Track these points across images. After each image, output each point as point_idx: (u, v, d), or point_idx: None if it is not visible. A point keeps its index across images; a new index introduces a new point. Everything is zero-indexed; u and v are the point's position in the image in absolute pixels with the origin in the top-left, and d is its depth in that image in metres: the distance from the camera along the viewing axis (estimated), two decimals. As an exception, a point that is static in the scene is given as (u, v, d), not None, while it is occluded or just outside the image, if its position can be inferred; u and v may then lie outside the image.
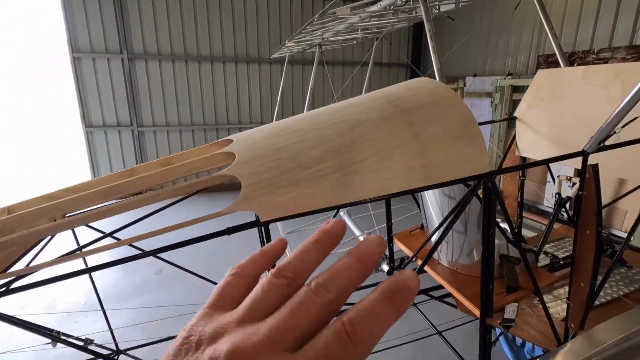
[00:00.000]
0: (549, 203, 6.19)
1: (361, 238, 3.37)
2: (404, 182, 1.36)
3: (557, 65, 6.19)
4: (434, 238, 2.13)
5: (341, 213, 3.81)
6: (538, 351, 3.14)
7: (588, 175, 1.57)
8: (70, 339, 1.77)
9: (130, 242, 1.28)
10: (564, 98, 2.31)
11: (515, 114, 2.65)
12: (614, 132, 1.52)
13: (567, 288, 2.32)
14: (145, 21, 7.65)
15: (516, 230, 3.04)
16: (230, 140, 1.59)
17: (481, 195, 1.55)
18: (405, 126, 1.44)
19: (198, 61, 8.18)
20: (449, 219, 1.72)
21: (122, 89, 7.77)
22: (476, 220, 1.98)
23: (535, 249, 2.11)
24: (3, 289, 1.15)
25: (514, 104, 6.48)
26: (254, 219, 1.70)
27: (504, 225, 1.89)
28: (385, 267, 2.77)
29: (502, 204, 1.51)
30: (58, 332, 1.61)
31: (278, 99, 7.28)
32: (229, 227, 1.24)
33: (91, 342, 1.86)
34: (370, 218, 3.27)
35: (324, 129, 1.50)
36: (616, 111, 1.44)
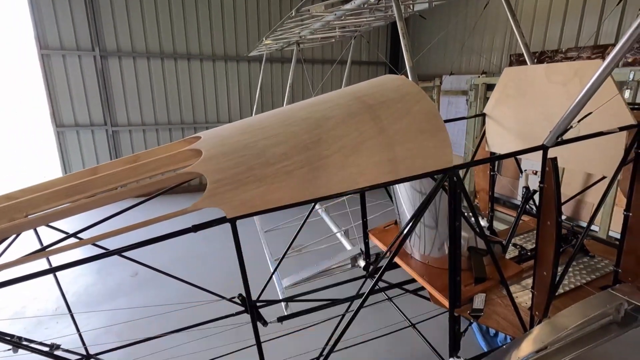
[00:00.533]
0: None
1: (339, 235, 3.39)
2: (370, 176, 1.38)
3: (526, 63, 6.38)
4: (403, 232, 2.18)
5: (319, 210, 3.83)
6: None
7: (548, 169, 1.63)
8: (33, 345, 1.71)
9: (94, 242, 1.25)
10: (529, 94, 2.39)
11: (484, 111, 2.73)
12: (571, 127, 1.58)
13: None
14: (118, 17, 7.44)
15: (486, 223, 3.13)
16: (198, 137, 1.57)
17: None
18: (370, 121, 1.47)
19: (174, 59, 8.01)
20: (419, 213, 1.76)
21: (95, 88, 7.52)
22: (446, 215, 2.03)
23: (502, 240, 2.18)
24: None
25: (487, 101, 6.65)
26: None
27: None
28: (362, 263, 2.80)
29: (467, 197, 1.56)
30: (20, 338, 1.55)
31: (257, 97, 7.23)
32: (195, 224, 1.23)
33: (57, 347, 1.80)
34: (347, 215, 3.29)
35: (290, 125, 1.50)
36: (572, 106, 1.50)
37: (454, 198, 1.53)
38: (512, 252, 2.59)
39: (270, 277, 2.51)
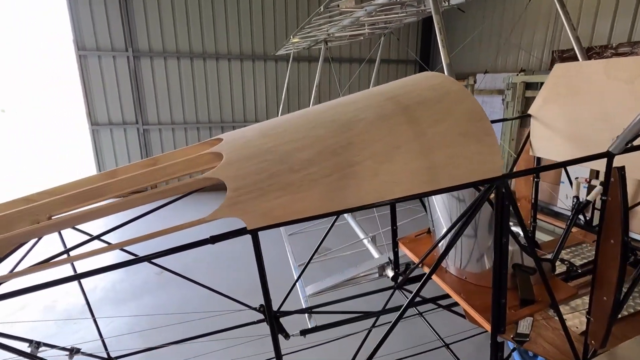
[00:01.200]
0: (562, 204, 5.96)
1: (365, 242, 3.24)
2: (406, 185, 1.23)
3: (573, 60, 5.95)
4: (442, 244, 1.99)
5: (345, 214, 3.69)
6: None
7: (613, 179, 1.41)
8: (54, 349, 1.68)
9: (121, 247, 1.19)
10: (583, 93, 2.14)
11: (529, 111, 2.49)
12: (644, 132, 1.36)
13: (585, 299, 2.16)
14: (151, 19, 7.61)
15: (530, 237, 2.87)
16: (220, 140, 1.47)
17: (493, 199, 1.40)
18: (406, 124, 1.31)
19: (203, 58, 8.11)
20: (458, 225, 1.58)
21: (128, 87, 7.74)
22: (487, 225, 1.83)
23: (550, 257, 1.95)
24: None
25: (527, 101, 6.26)
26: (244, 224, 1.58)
27: (516, 229, 1.74)
28: (390, 273, 2.63)
29: (516, 210, 1.37)
30: (38, 344, 1.52)
31: (283, 96, 7.17)
32: (213, 235, 1.13)
33: (78, 350, 1.77)
34: (375, 220, 3.13)
35: (316, 128, 1.38)
36: (646, 108, 1.28)
37: (501, 211, 1.34)
38: (558, 268, 2.34)
39: (293, 286, 2.40)
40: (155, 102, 8.03)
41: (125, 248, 1.61)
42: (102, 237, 1.71)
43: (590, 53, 5.53)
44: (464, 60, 8.48)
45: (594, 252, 2.56)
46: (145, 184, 1.37)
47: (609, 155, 1.42)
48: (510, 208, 1.36)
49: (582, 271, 2.23)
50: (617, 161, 1.44)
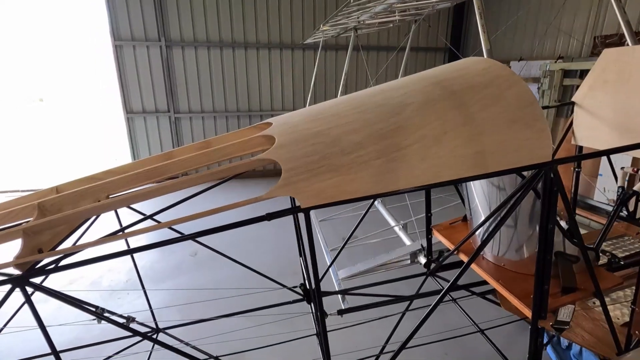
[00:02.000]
0: (599, 197, 5.73)
1: (396, 229, 3.26)
2: (454, 169, 1.25)
3: (617, 46, 5.64)
4: (480, 232, 2.00)
5: (375, 202, 3.72)
6: (586, 355, 2.93)
7: (668, 167, 1.37)
8: (113, 317, 1.84)
9: (170, 225, 1.27)
10: (633, 80, 2.06)
11: (573, 99, 2.41)
12: None
13: (627, 291, 2.12)
14: (182, 9, 7.77)
15: (565, 226, 2.81)
16: (269, 124, 1.54)
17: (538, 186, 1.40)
18: (454, 109, 1.33)
19: (232, 48, 8.22)
20: (501, 214, 1.59)
21: (160, 76, 7.99)
22: (528, 213, 1.82)
23: (594, 247, 1.92)
24: (52, 266, 1.18)
25: (564, 89, 6.00)
26: (290, 204, 1.65)
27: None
28: (423, 260, 2.66)
29: (564, 196, 1.36)
30: (102, 310, 1.66)
31: (311, 85, 7.19)
32: (269, 212, 1.19)
33: (133, 319, 1.92)
34: (406, 208, 3.15)
35: (364, 112, 1.41)
36: None
37: (549, 197, 1.34)
38: (600, 260, 2.30)
39: (328, 268, 2.47)
40: (186, 91, 8.25)
41: (177, 228, 1.72)
42: (154, 217, 1.83)
43: (637, 38, 5.21)
44: (498, 47, 8.18)
45: (636, 245, 2.49)
46: (200, 165, 1.46)
47: (667, 144, 1.39)
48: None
49: (625, 263, 2.17)
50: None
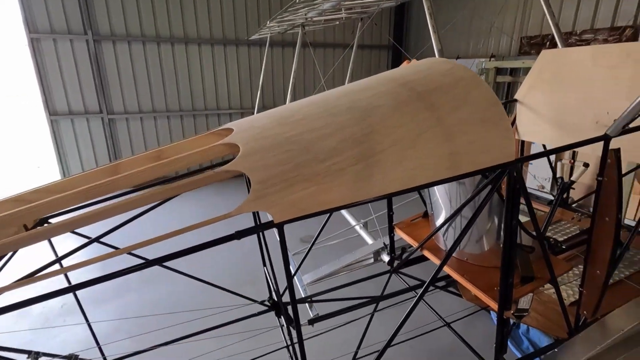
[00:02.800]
0: (531, 184, 6.33)
1: (357, 228, 3.27)
2: (430, 172, 1.24)
3: (540, 46, 6.20)
4: (445, 228, 2.05)
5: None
6: (533, 332, 3.19)
7: (610, 161, 1.50)
8: (55, 358, 1.58)
9: (130, 251, 1.10)
10: (568, 79, 2.24)
11: (516, 96, 2.58)
12: (639, 115, 1.45)
13: (570, 273, 2.31)
14: (111, 0, 7.08)
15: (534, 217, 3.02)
16: (229, 130, 1.40)
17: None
18: (426, 111, 1.31)
19: (171, 43, 7.68)
20: (466, 209, 1.63)
21: (89, 74, 7.20)
22: (486, 209, 1.90)
23: (551, 237, 2.07)
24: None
25: (497, 86, 6.50)
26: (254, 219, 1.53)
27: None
28: (386, 258, 2.69)
29: (526, 194, 1.42)
30: (37, 354, 1.41)
31: (260, 83, 6.98)
32: (239, 230, 1.08)
33: (76, 357, 1.67)
34: (366, 206, 3.16)
35: (335, 115, 1.35)
36: (645, 92, 1.36)
37: (513, 195, 1.39)
38: (543, 245, 2.49)
39: (294, 274, 2.39)
40: (120, 90, 7.54)
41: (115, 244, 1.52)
42: (102, 240, 1.61)
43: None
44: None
45: (573, 229, 2.75)
46: (153, 179, 1.29)
47: (606, 138, 1.51)
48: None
49: (566, 247, 2.38)
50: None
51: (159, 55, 7.67)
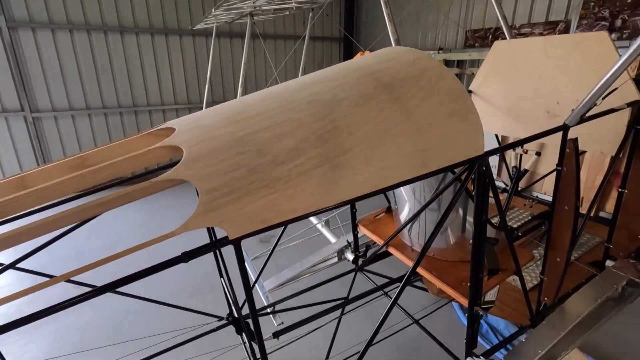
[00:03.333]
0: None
1: (319, 226, 3.15)
2: (401, 171, 1.13)
3: (484, 39, 6.45)
4: (410, 223, 1.99)
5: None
6: (492, 317, 3.30)
7: (569, 150, 1.51)
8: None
9: (67, 279, 0.91)
10: (521, 70, 2.28)
11: (470, 88, 2.59)
12: (596, 104, 1.46)
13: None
14: (27, -20, 6.20)
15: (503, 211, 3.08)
16: (171, 129, 1.19)
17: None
18: (393, 104, 1.21)
19: (104, 32, 6.93)
20: (433, 204, 1.57)
21: (5, 65, 6.28)
22: (450, 201, 1.86)
23: (515, 229, 2.10)
24: None
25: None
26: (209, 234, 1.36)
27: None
28: (350, 256, 2.60)
29: (494, 188, 1.38)
30: None
31: (208, 76, 6.56)
32: (187, 251, 0.90)
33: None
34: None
35: (293, 110, 1.19)
36: (601, 82, 1.36)
37: (482, 190, 1.34)
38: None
39: (254, 283, 2.21)
40: (45, 85, 6.69)
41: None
42: (20, 264, 1.32)
43: (498, 33, 6.09)
44: (385, 38, 8.71)
45: (525, 215, 2.85)
46: (76, 192, 1.05)
47: (564, 128, 1.51)
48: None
49: (521, 233, 2.45)
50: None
51: (90, 45, 6.91)
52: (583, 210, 3.60)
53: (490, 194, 1.40)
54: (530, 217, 2.78)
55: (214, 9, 4.91)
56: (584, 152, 2.33)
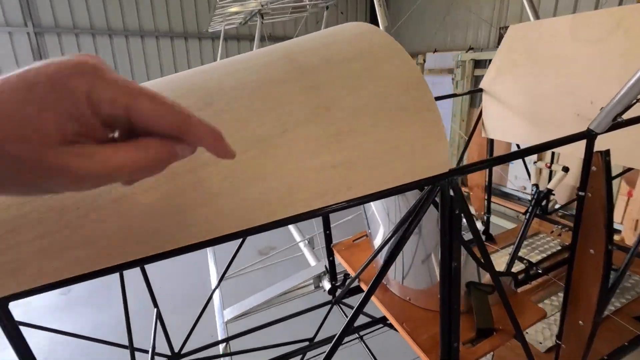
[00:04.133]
0: (512, 185, 5.91)
1: (301, 245, 2.76)
2: (307, 194, 0.74)
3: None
4: (382, 254, 1.55)
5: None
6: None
7: (595, 168, 1.02)
8: None
9: None
10: (543, 60, 1.77)
11: (481, 85, 2.10)
12: (636, 102, 0.97)
13: (548, 302, 1.85)
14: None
15: (482, 226, 2.55)
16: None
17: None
18: (303, 93, 0.81)
19: (125, 36, 7.04)
20: (399, 234, 1.14)
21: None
22: (433, 230, 1.41)
23: (512, 270, 1.60)
24: None
25: (476, 80, 6.09)
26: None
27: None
28: (327, 285, 2.18)
29: (469, 217, 0.94)
30: None
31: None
32: None
33: None
34: (310, 221, 2.65)
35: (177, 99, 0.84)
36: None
37: (449, 222, 0.90)
38: (515, 266, 2.03)
39: (202, 312, 1.86)
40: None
41: None
42: None
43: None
44: (414, 38, 8.17)
45: (552, 244, 2.29)
46: None
47: (589, 136, 1.03)
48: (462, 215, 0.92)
49: (543, 270, 1.91)
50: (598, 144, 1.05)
51: (111, 48, 7.01)
52: (628, 241, 2.92)
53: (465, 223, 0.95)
54: (560, 247, 2.23)
55: (218, 8, 4.71)
56: (629, 169, 1.77)
